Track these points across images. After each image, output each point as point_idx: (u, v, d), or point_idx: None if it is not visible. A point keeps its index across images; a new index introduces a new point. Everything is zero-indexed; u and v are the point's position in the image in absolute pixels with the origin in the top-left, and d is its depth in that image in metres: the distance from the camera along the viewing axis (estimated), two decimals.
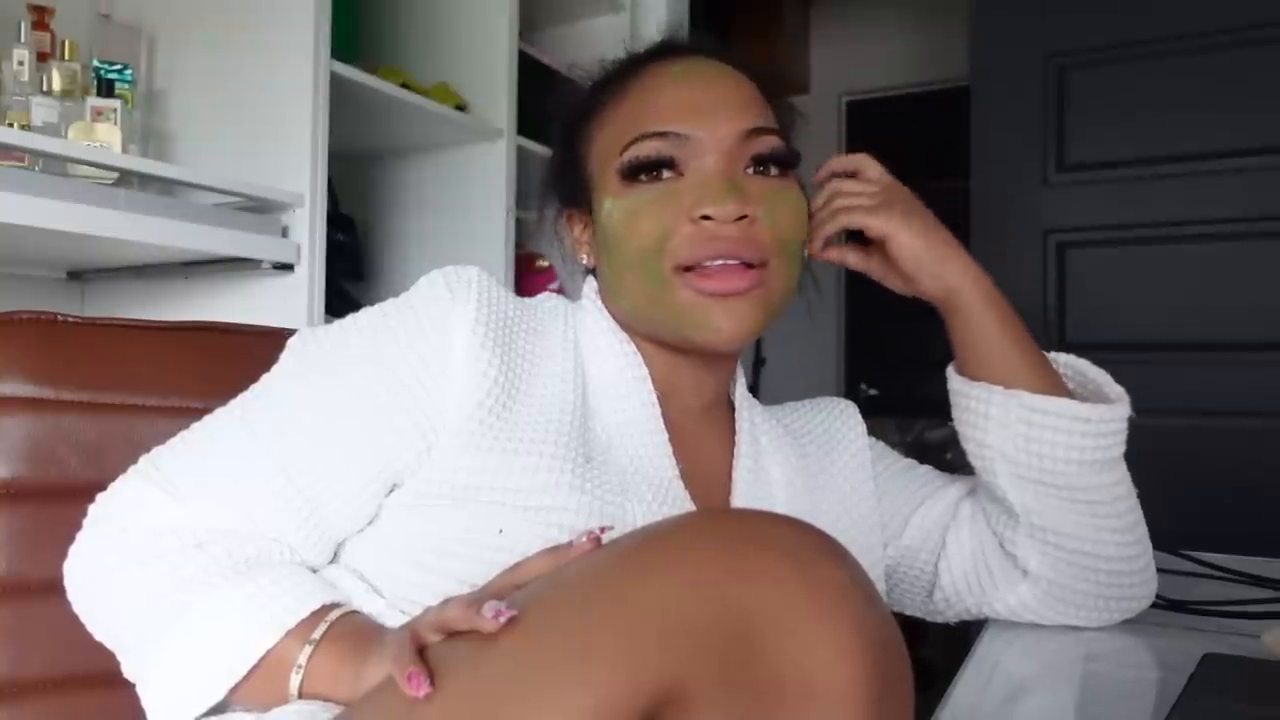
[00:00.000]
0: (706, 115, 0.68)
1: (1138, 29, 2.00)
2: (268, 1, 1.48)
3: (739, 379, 0.80)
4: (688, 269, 0.67)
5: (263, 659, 0.57)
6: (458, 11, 1.89)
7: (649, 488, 0.67)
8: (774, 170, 0.70)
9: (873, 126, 3.65)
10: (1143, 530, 0.77)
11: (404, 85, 1.67)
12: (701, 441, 0.75)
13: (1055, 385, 0.74)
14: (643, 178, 0.68)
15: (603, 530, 0.57)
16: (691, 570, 0.46)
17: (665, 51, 0.74)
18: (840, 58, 3.69)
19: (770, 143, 0.69)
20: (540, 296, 0.76)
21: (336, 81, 1.49)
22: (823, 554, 0.48)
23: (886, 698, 0.45)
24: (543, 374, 0.68)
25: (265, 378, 0.67)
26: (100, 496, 0.64)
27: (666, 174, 0.68)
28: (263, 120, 1.49)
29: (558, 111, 0.78)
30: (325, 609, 0.59)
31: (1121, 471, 0.75)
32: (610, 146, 0.70)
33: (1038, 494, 0.73)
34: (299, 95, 1.45)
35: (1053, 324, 2.01)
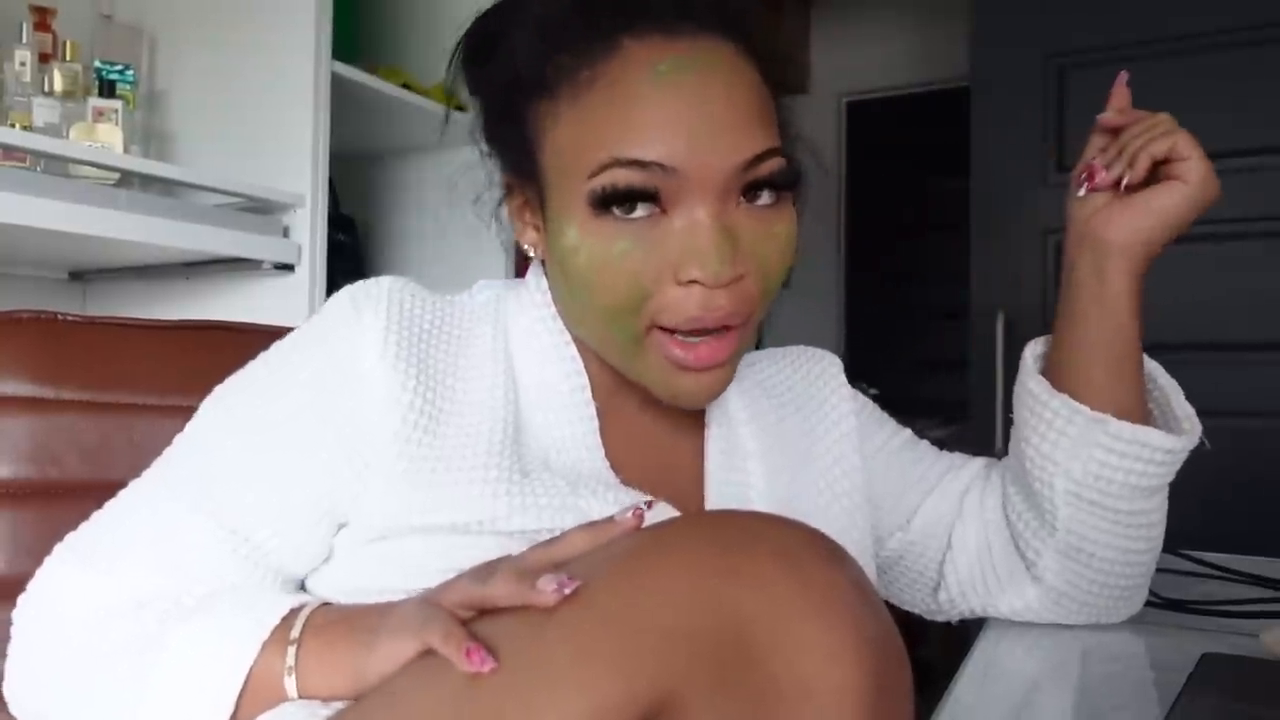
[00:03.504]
0: (698, 145, 0.55)
1: (1138, 29, 2.00)
2: (269, 2, 1.48)
3: None
4: (664, 328, 0.58)
5: (249, 679, 0.53)
6: (458, 11, 1.87)
7: (592, 494, 0.60)
8: (767, 196, 0.59)
9: (873, 126, 3.65)
10: (1158, 551, 0.74)
11: (404, 85, 1.67)
12: (659, 431, 0.68)
13: (1140, 407, 0.69)
14: (616, 211, 0.57)
15: (649, 504, 0.53)
16: (687, 574, 0.46)
17: (646, 12, 0.58)
18: (840, 58, 3.69)
19: (772, 167, 0.58)
20: (476, 286, 0.71)
21: (337, 81, 1.49)
22: (819, 556, 0.47)
23: (884, 699, 0.45)
24: (469, 388, 0.62)
25: (176, 438, 0.62)
26: (20, 599, 0.59)
27: (644, 208, 0.57)
28: (263, 120, 1.49)
29: (503, 59, 0.63)
30: (294, 611, 0.55)
31: (1165, 494, 0.72)
32: (574, 155, 0.58)
33: (1090, 514, 0.70)
34: (300, 95, 1.45)
35: (1052, 324, 2.01)
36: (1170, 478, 0.70)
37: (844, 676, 0.44)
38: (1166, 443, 0.67)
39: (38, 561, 0.66)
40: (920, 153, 3.55)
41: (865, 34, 3.65)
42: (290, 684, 0.54)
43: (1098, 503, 0.69)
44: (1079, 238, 0.70)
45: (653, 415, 0.68)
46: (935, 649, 1.94)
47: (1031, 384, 0.72)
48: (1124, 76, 0.68)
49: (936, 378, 2.96)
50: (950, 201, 2.88)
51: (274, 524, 0.59)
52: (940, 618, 0.82)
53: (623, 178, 0.55)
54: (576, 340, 0.65)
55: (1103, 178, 0.67)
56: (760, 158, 0.57)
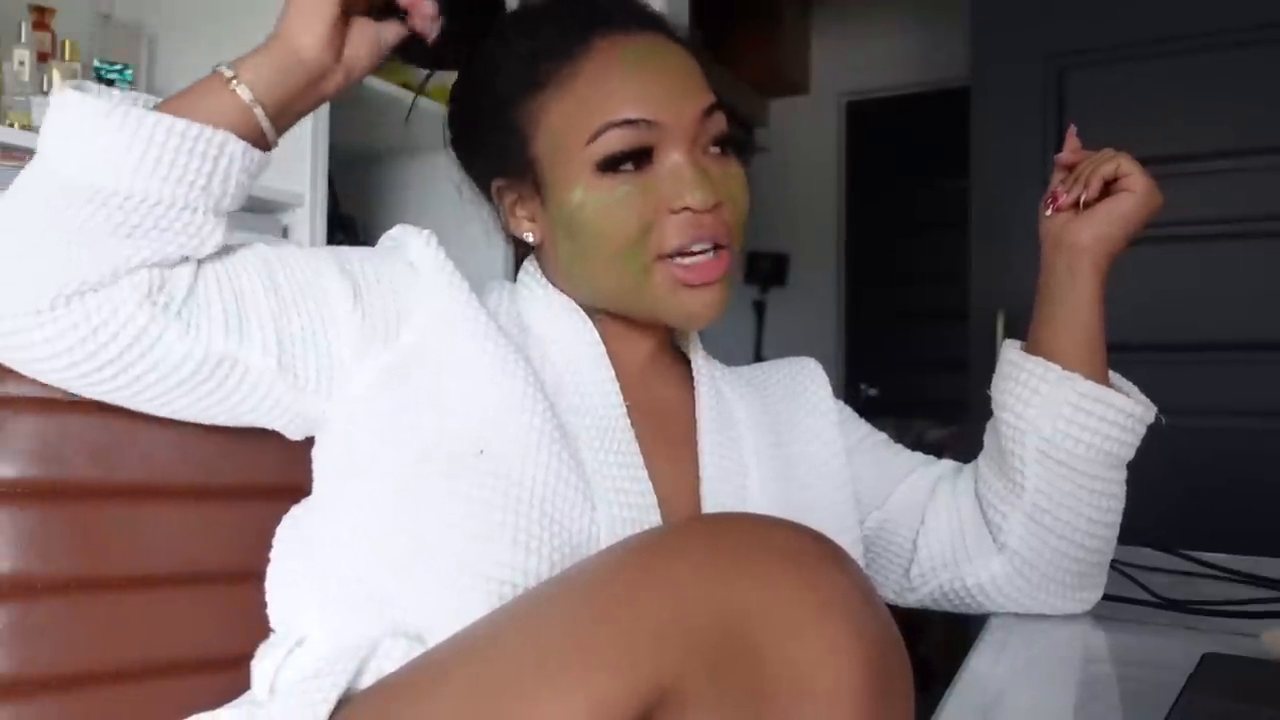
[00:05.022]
0: (669, 100, 0.69)
1: (1138, 29, 2.00)
2: (268, 2, 1.48)
3: (694, 336, 0.81)
4: (667, 255, 0.69)
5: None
6: None
7: (598, 432, 0.69)
8: (727, 150, 0.73)
9: (873, 126, 3.65)
10: (1117, 531, 0.80)
11: (404, 85, 1.67)
12: (657, 388, 0.76)
13: (1105, 377, 0.79)
14: (619, 168, 0.69)
15: None
16: (688, 572, 0.47)
17: (608, 21, 0.72)
18: (840, 58, 3.69)
19: (723, 121, 0.72)
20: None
21: None
22: (820, 557, 0.48)
23: (885, 699, 0.46)
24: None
25: None
26: None
27: (636, 160, 0.69)
28: None
29: (483, 78, 0.75)
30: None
31: (1125, 473, 0.79)
32: (570, 131, 0.69)
33: (1057, 474, 0.77)
34: None
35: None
36: (1130, 453, 0.78)
37: (843, 676, 0.45)
38: (1127, 406, 0.77)
39: (45, 563, 0.66)
40: (920, 153, 3.56)
41: (865, 34, 3.65)
42: (238, 89, 0.67)
43: (1065, 463, 0.77)
44: (1054, 246, 0.81)
45: (644, 370, 0.77)
46: (935, 649, 1.94)
47: (1011, 354, 0.82)
48: (1073, 129, 0.84)
49: (936, 378, 2.96)
50: (950, 201, 2.89)
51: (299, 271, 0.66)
52: (910, 598, 0.84)
53: (619, 137, 0.68)
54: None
55: (1064, 199, 0.80)
56: (714, 107, 0.71)
